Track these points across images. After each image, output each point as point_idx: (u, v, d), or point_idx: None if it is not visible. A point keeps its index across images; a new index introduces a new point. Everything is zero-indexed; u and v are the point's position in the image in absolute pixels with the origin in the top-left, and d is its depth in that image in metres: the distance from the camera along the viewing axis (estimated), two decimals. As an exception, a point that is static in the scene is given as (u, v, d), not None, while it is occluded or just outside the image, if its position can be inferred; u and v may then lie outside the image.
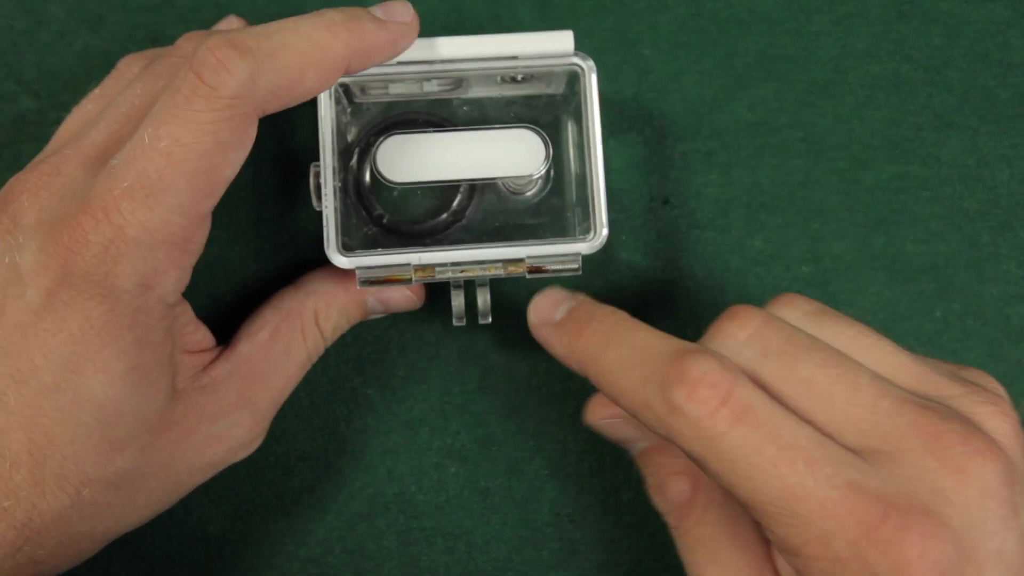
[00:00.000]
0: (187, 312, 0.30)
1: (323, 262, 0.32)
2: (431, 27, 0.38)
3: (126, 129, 0.29)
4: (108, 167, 0.28)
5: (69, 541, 0.28)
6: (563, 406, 0.36)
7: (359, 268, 0.31)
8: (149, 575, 0.34)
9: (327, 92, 0.31)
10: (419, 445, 0.36)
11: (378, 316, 0.34)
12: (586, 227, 0.32)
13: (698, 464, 0.25)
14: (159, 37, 0.36)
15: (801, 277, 0.37)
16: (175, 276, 0.28)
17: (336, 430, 0.36)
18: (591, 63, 0.32)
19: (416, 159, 0.32)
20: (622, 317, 0.29)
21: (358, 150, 0.34)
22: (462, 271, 0.32)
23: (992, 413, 0.26)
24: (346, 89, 0.33)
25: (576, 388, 0.36)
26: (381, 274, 0.31)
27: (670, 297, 0.36)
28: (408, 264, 0.32)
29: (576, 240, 0.32)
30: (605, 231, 0.32)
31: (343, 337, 0.36)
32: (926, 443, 0.24)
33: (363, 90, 0.33)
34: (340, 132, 0.32)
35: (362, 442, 0.35)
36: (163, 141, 0.27)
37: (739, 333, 0.27)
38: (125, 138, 0.29)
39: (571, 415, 0.36)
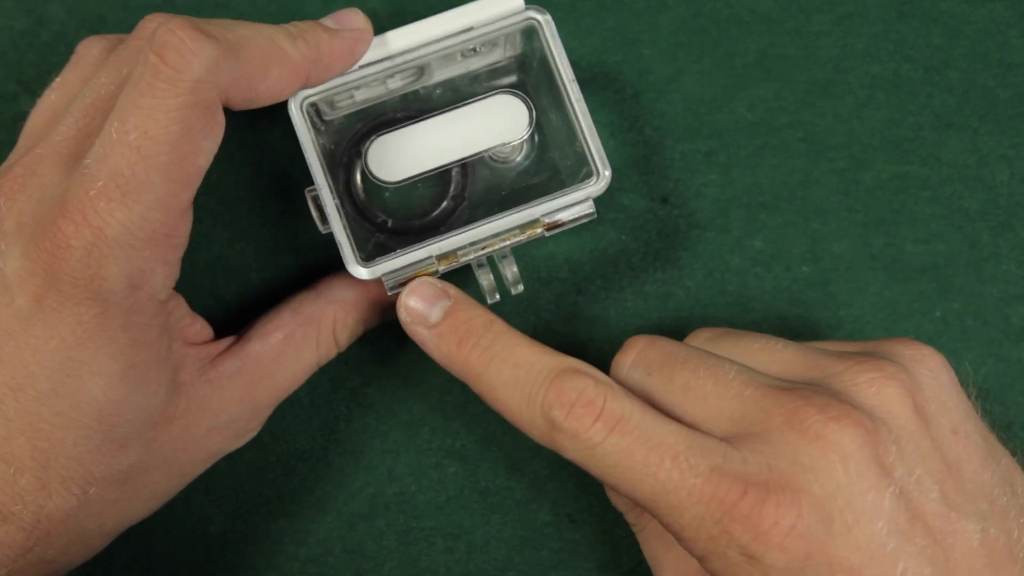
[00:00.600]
0: (181, 306, 0.30)
1: (332, 265, 0.32)
2: (431, 27, 0.38)
3: (95, 121, 0.29)
4: (81, 166, 0.27)
5: (79, 539, 0.28)
6: (563, 406, 0.36)
7: (384, 275, 0.31)
8: (149, 575, 0.34)
9: (302, 119, 0.31)
10: (419, 445, 0.36)
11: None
12: (587, 172, 0.32)
13: (584, 469, 0.28)
14: (159, 37, 0.36)
15: (801, 277, 0.37)
16: (163, 273, 0.28)
17: (336, 430, 0.35)
18: (547, 15, 0.32)
19: (405, 154, 0.32)
20: (500, 330, 0.30)
21: (343, 164, 0.34)
22: (483, 248, 0.32)
23: (871, 380, 0.28)
24: (316, 109, 0.33)
25: (576, 388, 0.36)
26: (407, 274, 0.32)
27: (670, 297, 0.36)
28: (430, 257, 0.32)
29: (582, 187, 0.32)
30: (608, 171, 0.32)
31: (343, 337, 0.36)
32: (786, 419, 0.27)
33: (331, 105, 0.33)
34: (324, 152, 0.32)
35: (362, 442, 0.35)
36: (131, 135, 0.27)
37: (626, 359, 0.30)
38: (95, 131, 0.28)
39: (571, 415, 0.36)
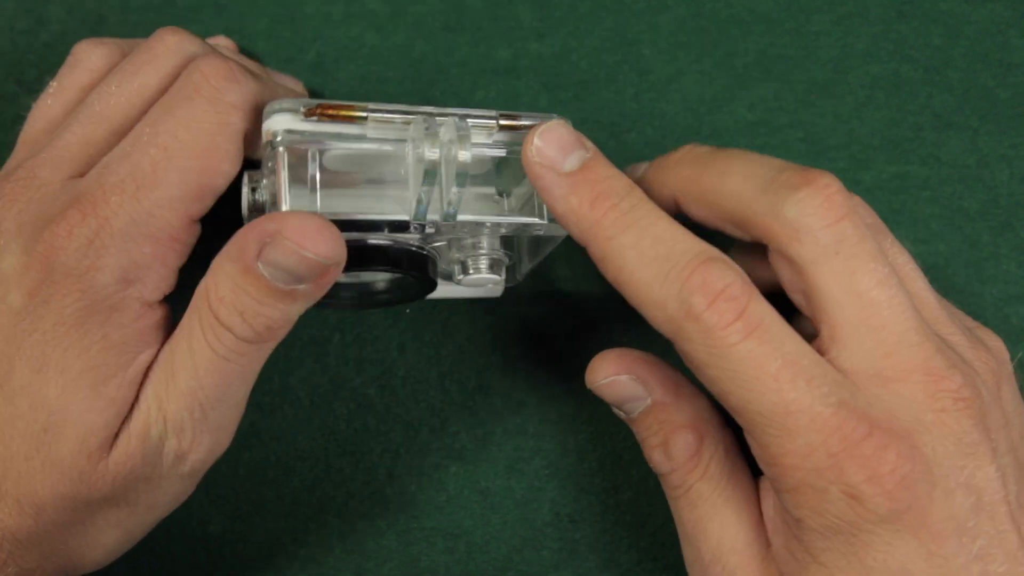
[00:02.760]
0: (167, 322, 0.29)
1: None
2: (431, 27, 0.38)
3: (100, 130, 0.29)
4: (101, 163, 0.28)
5: (56, 558, 0.28)
6: (563, 406, 0.36)
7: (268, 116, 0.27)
8: (149, 575, 0.34)
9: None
10: (419, 445, 0.36)
11: (299, 292, 0.27)
12: None
13: (695, 367, 0.26)
14: (159, 37, 0.36)
15: (801, 277, 0.37)
16: (158, 272, 0.28)
17: (336, 430, 0.35)
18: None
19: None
20: (641, 198, 0.27)
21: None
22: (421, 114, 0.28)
23: (986, 364, 0.28)
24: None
25: (576, 388, 0.36)
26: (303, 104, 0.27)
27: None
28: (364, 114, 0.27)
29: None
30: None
31: (343, 337, 0.36)
32: (925, 381, 0.26)
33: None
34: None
35: (362, 442, 0.35)
36: (161, 136, 0.27)
37: (822, 214, 0.27)
38: (100, 139, 0.29)
39: (571, 415, 0.36)
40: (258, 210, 0.29)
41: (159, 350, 0.28)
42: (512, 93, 0.37)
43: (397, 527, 0.35)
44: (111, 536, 0.29)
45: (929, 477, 0.25)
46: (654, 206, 0.27)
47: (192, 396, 0.27)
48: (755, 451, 0.27)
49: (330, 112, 0.27)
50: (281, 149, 0.27)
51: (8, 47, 0.36)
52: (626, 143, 0.37)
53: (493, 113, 0.29)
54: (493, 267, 0.31)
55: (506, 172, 0.30)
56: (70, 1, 0.37)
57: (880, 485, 0.25)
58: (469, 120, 0.28)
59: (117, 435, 0.27)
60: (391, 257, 0.29)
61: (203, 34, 0.32)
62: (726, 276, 0.26)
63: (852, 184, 0.37)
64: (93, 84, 0.31)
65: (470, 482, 0.35)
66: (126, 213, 0.27)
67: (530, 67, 0.37)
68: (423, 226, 0.28)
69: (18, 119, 0.32)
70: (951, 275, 0.37)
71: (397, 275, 0.31)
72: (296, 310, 0.27)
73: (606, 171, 0.28)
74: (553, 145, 0.27)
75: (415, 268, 0.29)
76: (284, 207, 0.27)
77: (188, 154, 0.27)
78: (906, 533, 0.25)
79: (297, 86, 0.36)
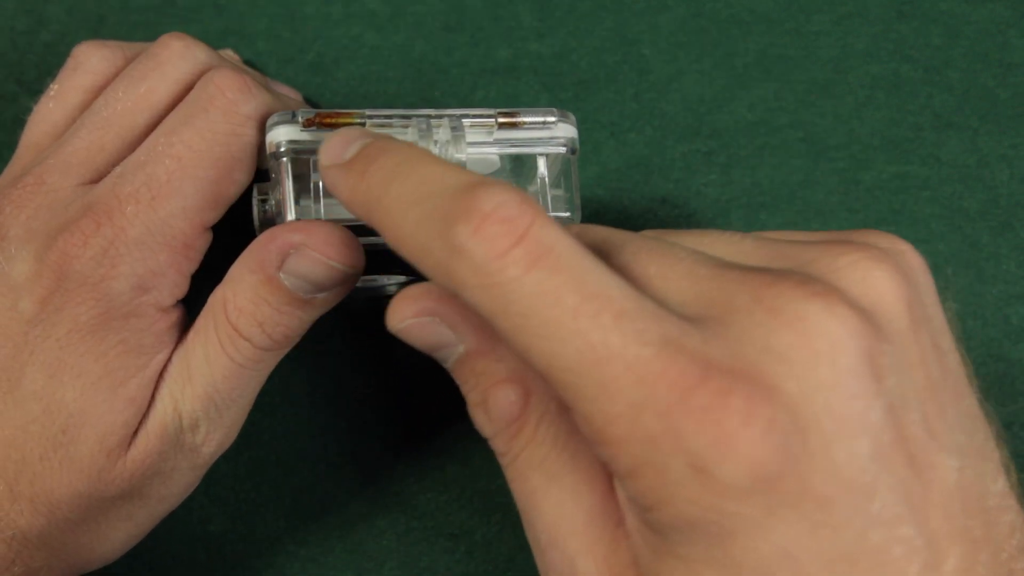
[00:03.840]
0: (182, 322, 0.29)
1: None
2: (431, 27, 0.38)
3: (108, 135, 0.29)
4: (114, 173, 0.28)
5: (66, 555, 0.28)
6: (563, 406, 0.36)
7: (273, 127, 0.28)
8: (149, 575, 0.34)
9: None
10: (419, 445, 0.36)
11: (318, 300, 0.28)
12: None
13: (489, 320, 0.21)
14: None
15: (801, 277, 0.37)
16: (173, 279, 0.28)
17: (336, 430, 0.35)
18: None
19: None
20: (416, 151, 0.23)
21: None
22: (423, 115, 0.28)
23: (855, 263, 0.22)
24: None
25: (576, 388, 0.36)
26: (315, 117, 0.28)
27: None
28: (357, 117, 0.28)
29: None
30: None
31: (343, 336, 0.36)
32: (754, 297, 0.20)
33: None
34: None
35: (362, 442, 0.35)
36: (176, 147, 0.28)
37: None
38: (108, 144, 0.29)
39: (571, 415, 0.36)
40: (269, 221, 0.30)
41: (175, 349, 0.28)
42: (512, 93, 0.37)
43: (397, 527, 0.35)
44: (121, 530, 0.29)
45: (798, 423, 0.19)
46: (428, 155, 0.23)
47: (208, 399, 0.28)
48: (582, 429, 0.21)
49: (328, 121, 0.28)
50: (284, 160, 0.28)
51: (8, 47, 0.36)
52: (626, 143, 0.37)
53: (491, 112, 0.29)
54: None
55: (520, 171, 0.30)
56: (70, 1, 0.37)
57: (732, 447, 0.19)
58: (467, 120, 0.29)
59: (136, 432, 0.28)
60: (403, 263, 0.29)
61: (203, 35, 0.32)
62: (496, 196, 0.20)
63: (852, 184, 0.37)
64: (94, 87, 0.31)
65: (470, 482, 0.35)
66: (141, 223, 0.27)
67: (530, 67, 0.37)
68: None
69: (18, 120, 0.32)
70: (951, 275, 0.37)
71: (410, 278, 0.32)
72: (313, 317, 0.28)
73: (385, 142, 0.24)
74: (334, 143, 0.25)
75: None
76: (289, 216, 0.28)
77: (203, 164, 0.28)
78: (780, 507, 0.19)
79: (296, 96, 0.36)
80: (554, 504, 0.23)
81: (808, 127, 0.37)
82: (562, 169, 0.30)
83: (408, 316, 0.25)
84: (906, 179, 0.37)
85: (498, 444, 0.25)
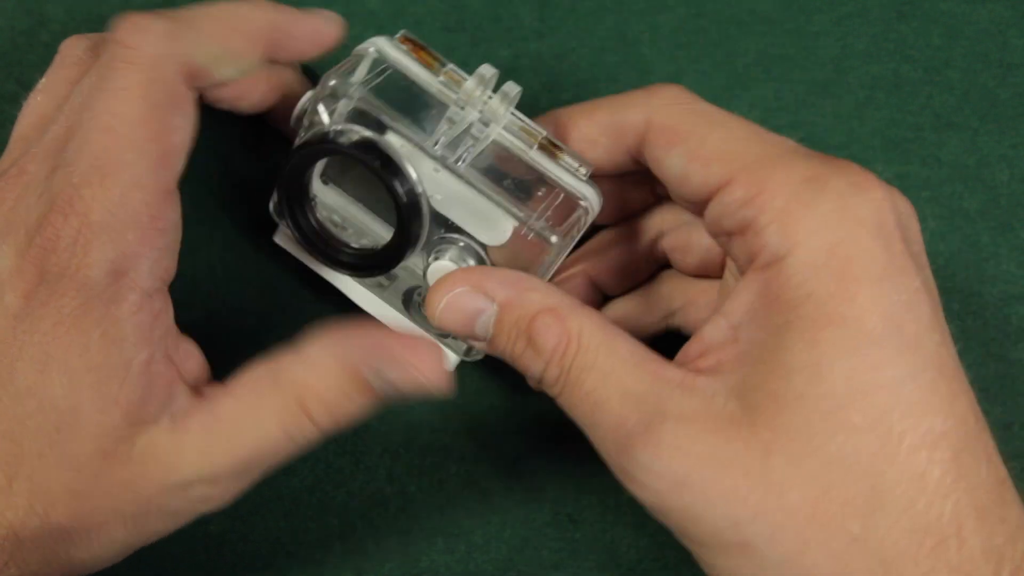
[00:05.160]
0: (168, 311, 0.29)
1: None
2: (431, 27, 0.38)
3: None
4: (62, 160, 0.27)
5: (60, 558, 0.27)
6: (563, 406, 0.36)
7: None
8: (149, 575, 0.34)
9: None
10: (419, 445, 0.36)
11: (397, 400, 0.29)
12: None
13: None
14: (159, 37, 0.36)
15: (801, 277, 0.37)
16: (150, 258, 0.27)
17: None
18: None
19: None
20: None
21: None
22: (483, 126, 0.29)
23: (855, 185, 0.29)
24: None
25: (576, 388, 0.36)
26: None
27: (670, 297, 0.36)
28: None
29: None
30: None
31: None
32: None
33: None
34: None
35: (362, 442, 0.35)
36: (101, 117, 0.27)
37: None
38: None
39: (571, 415, 0.36)
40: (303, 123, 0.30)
41: (156, 350, 0.28)
42: (512, 93, 0.37)
43: (397, 527, 0.35)
44: (119, 536, 0.28)
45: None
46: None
47: (246, 462, 0.28)
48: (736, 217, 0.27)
49: (419, 52, 0.29)
50: (372, 49, 0.29)
51: (8, 47, 0.36)
52: (626, 143, 0.37)
53: (544, 132, 0.30)
54: (457, 258, 0.31)
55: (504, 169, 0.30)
56: (70, 1, 0.37)
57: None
58: (520, 119, 0.30)
59: (141, 452, 0.27)
60: (393, 164, 0.29)
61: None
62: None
63: (852, 184, 0.37)
64: (80, 78, 0.31)
65: (470, 482, 0.35)
66: (100, 205, 0.27)
67: (530, 67, 0.37)
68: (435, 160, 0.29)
69: (18, 119, 0.32)
70: (951, 275, 0.37)
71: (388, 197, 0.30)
72: (377, 404, 0.29)
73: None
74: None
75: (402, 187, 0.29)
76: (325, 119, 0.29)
77: (133, 126, 0.27)
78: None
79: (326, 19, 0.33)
80: (616, 395, 0.27)
81: (808, 127, 0.37)
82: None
83: (445, 294, 0.28)
84: (906, 179, 0.37)
85: (551, 372, 0.28)
